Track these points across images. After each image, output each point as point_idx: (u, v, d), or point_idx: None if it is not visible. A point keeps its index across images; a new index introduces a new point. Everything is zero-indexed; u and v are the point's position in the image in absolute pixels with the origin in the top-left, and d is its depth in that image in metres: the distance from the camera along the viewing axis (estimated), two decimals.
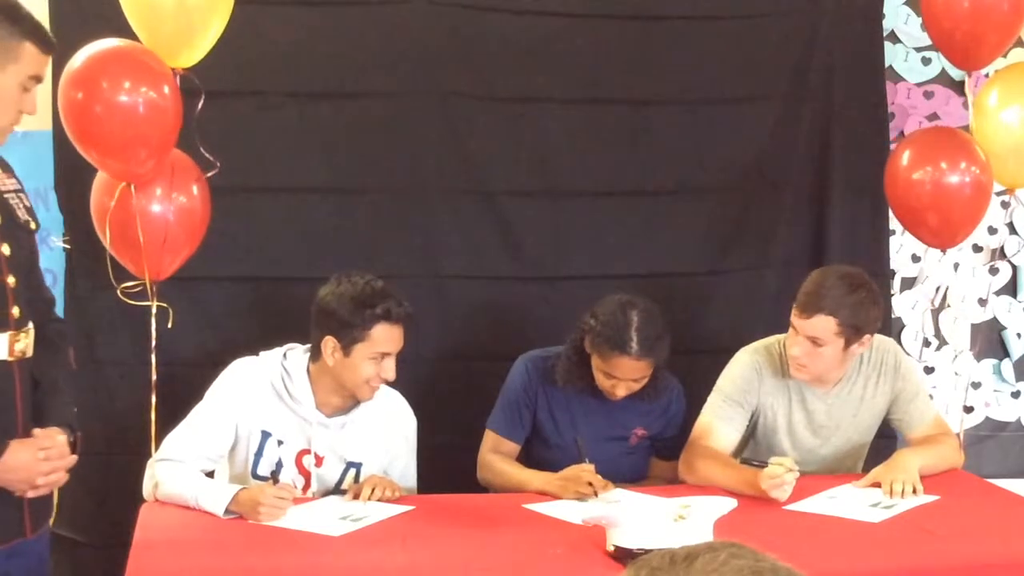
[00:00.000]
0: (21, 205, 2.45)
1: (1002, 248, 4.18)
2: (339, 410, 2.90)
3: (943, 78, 4.07)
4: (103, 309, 3.44)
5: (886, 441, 3.36)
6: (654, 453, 3.27)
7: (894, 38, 4.04)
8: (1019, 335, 4.21)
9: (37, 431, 2.38)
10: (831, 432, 3.16)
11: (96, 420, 3.39)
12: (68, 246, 3.50)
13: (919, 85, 4.10)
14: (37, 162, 3.37)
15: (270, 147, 3.60)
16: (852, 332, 2.96)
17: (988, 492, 3.06)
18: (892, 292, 4.03)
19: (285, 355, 2.89)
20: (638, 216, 3.83)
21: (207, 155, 3.16)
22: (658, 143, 3.82)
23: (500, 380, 3.25)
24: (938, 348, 4.16)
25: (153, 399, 3.21)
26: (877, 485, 2.92)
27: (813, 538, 2.61)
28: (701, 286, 3.87)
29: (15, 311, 2.36)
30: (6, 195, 2.42)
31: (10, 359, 2.35)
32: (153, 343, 3.24)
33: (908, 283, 4.15)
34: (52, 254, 3.47)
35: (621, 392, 3.06)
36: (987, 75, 3.77)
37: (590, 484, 2.83)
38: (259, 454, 2.87)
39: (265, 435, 2.86)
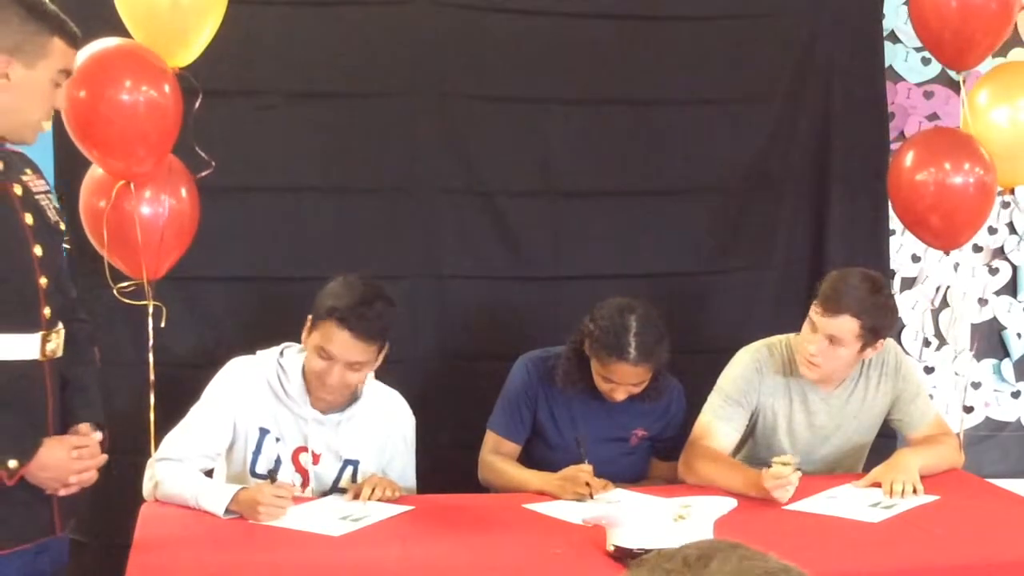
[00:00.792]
0: (51, 206, 2.44)
1: (1002, 248, 4.19)
2: (334, 407, 2.90)
3: (943, 78, 4.06)
4: (103, 309, 3.43)
5: (886, 441, 3.36)
6: (654, 453, 3.26)
7: (894, 38, 4.04)
8: (1019, 335, 4.21)
9: (81, 427, 2.39)
10: (831, 432, 3.16)
11: None
12: (68, 246, 3.49)
13: (919, 85, 4.10)
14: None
15: (269, 147, 3.60)
16: (871, 336, 2.95)
17: (988, 492, 3.06)
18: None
19: (282, 353, 2.90)
20: (638, 216, 3.83)
21: (203, 155, 3.16)
22: (658, 143, 3.82)
23: (500, 380, 3.25)
24: (938, 348, 4.16)
25: (152, 399, 3.20)
26: (877, 485, 2.92)
27: (813, 538, 2.60)
28: (701, 286, 3.87)
29: (47, 311, 2.36)
30: (37, 196, 2.40)
31: (41, 359, 2.34)
32: (151, 343, 3.24)
33: (908, 283, 4.15)
34: None
35: (620, 396, 3.05)
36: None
37: (588, 485, 2.83)
38: (257, 452, 2.86)
39: (263, 432, 2.86)
